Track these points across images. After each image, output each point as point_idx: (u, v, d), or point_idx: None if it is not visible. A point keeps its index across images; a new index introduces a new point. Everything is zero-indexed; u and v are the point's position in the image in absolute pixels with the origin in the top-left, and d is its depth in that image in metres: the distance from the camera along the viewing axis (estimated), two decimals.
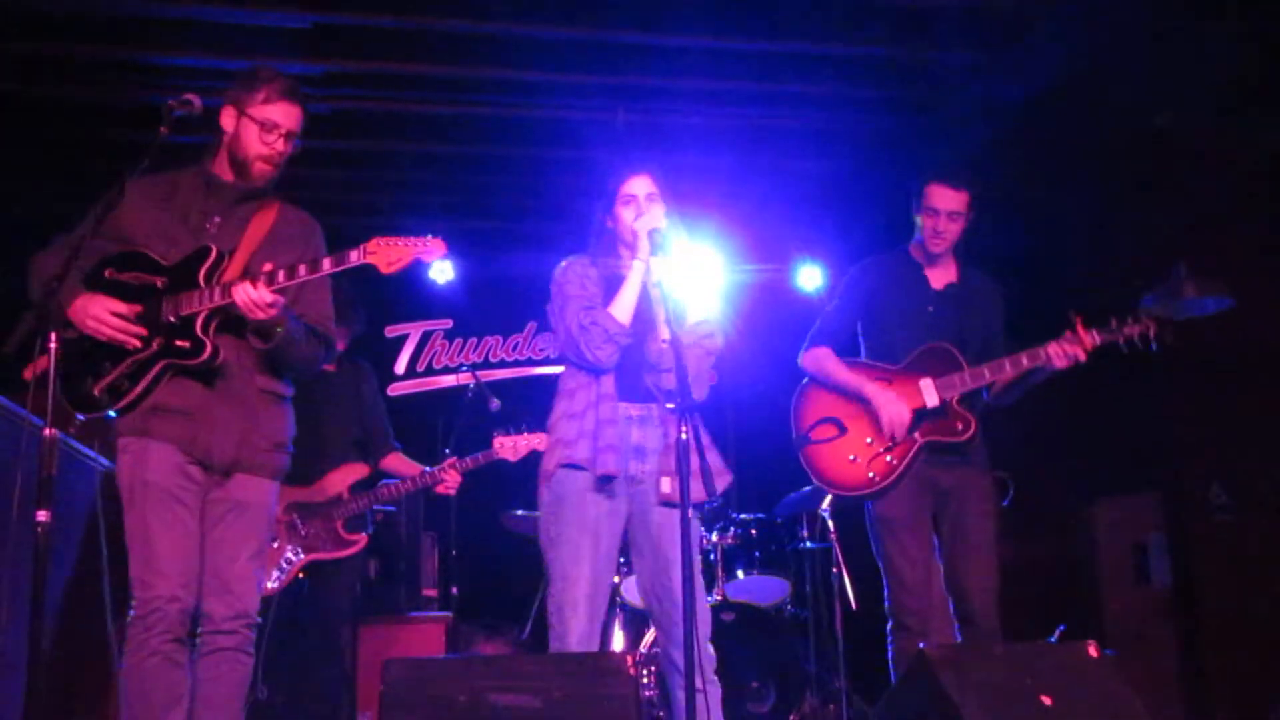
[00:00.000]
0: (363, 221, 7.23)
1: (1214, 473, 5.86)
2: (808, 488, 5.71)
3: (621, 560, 5.41)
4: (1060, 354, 3.80)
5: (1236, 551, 5.71)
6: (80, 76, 5.53)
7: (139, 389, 3.07)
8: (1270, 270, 5.31)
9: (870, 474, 3.89)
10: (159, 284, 3.12)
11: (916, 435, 3.89)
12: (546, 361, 7.74)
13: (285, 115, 3.20)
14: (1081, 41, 5.21)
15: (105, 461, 4.89)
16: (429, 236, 3.07)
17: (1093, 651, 2.51)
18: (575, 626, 3.18)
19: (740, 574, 5.75)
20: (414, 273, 5.87)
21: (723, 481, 3.38)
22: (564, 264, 3.55)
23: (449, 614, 5.75)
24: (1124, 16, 4.99)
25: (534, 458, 4.89)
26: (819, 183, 6.96)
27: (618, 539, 3.36)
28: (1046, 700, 2.29)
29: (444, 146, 6.47)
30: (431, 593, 6.41)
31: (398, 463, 4.98)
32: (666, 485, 3.27)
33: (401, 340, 7.68)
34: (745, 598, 5.61)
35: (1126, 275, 4.95)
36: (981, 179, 4.15)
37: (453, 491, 4.96)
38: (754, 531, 5.85)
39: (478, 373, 6.22)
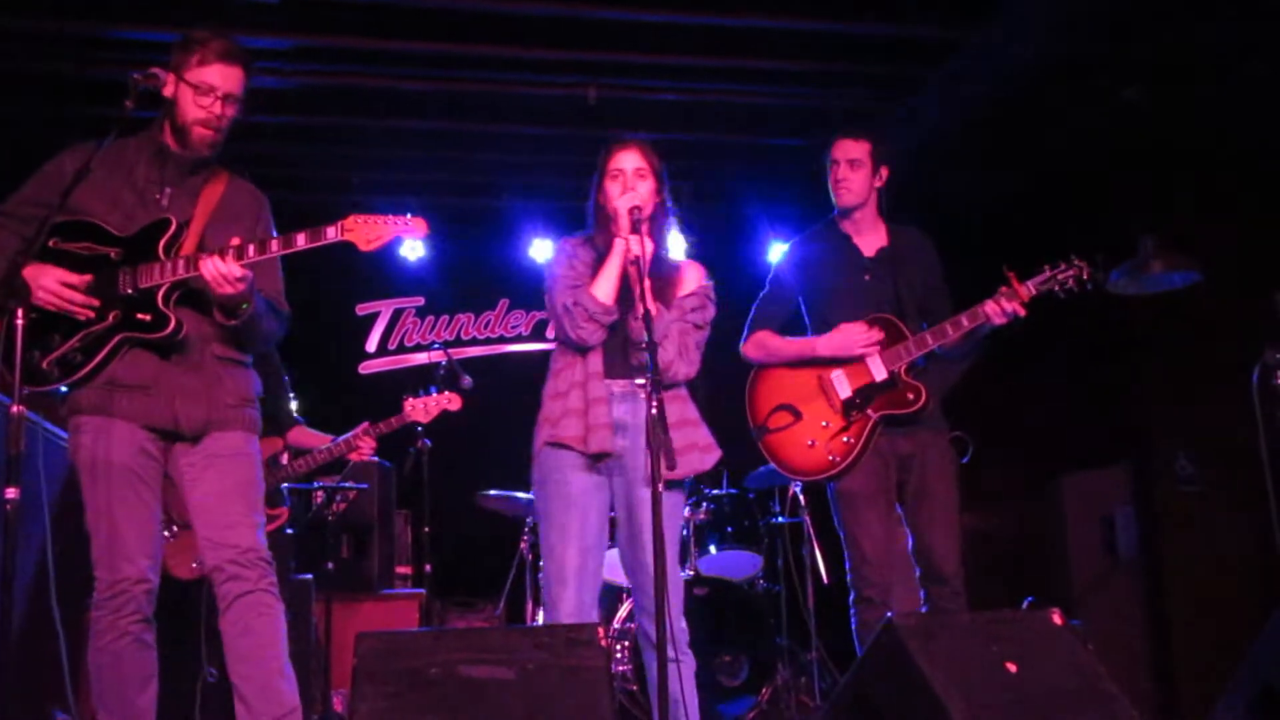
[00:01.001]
0: (333, 198, 7.19)
1: (1180, 445, 5.94)
2: None
3: None
4: (998, 310, 3.77)
5: (1202, 522, 5.79)
6: (43, 51, 5.45)
7: (95, 362, 3.00)
8: (1232, 244, 5.37)
9: (830, 456, 3.89)
10: (113, 255, 3.05)
11: (870, 411, 3.88)
12: (519, 339, 7.74)
13: (222, 77, 3.09)
14: (1055, 18, 5.23)
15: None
16: (409, 215, 3.05)
17: (1057, 619, 2.55)
18: (565, 599, 3.22)
19: (713, 549, 5.78)
20: (384, 250, 5.83)
21: (710, 457, 3.44)
22: (557, 245, 3.57)
23: (422, 591, 5.76)
24: None
25: (509, 433, 4.92)
26: (793, 160, 6.96)
27: (605, 513, 3.38)
28: (1011, 668, 2.33)
29: (415, 122, 6.43)
30: (405, 570, 6.42)
31: (303, 436, 5.01)
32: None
33: (373, 318, 7.66)
34: (718, 572, 5.65)
35: (1092, 249, 4.98)
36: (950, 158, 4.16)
37: (366, 457, 5.00)
38: (726, 507, 5.88)
39: (449, 350, 6.22)
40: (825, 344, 3.95)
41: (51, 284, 2.96)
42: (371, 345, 7.61)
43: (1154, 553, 6.07)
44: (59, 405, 3.12)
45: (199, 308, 3.10)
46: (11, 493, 2.60)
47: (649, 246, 3.27)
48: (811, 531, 5.85)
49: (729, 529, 5.84)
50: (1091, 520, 6.52)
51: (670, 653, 3.21)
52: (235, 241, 3.00)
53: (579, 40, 5.59)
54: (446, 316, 7.71)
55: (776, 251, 7.45)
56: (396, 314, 7.66)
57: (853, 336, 3.91)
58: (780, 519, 6.01)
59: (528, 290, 7.68)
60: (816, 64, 5.91)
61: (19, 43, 5.38)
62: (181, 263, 3.02)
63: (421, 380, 5.71)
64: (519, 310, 7.76)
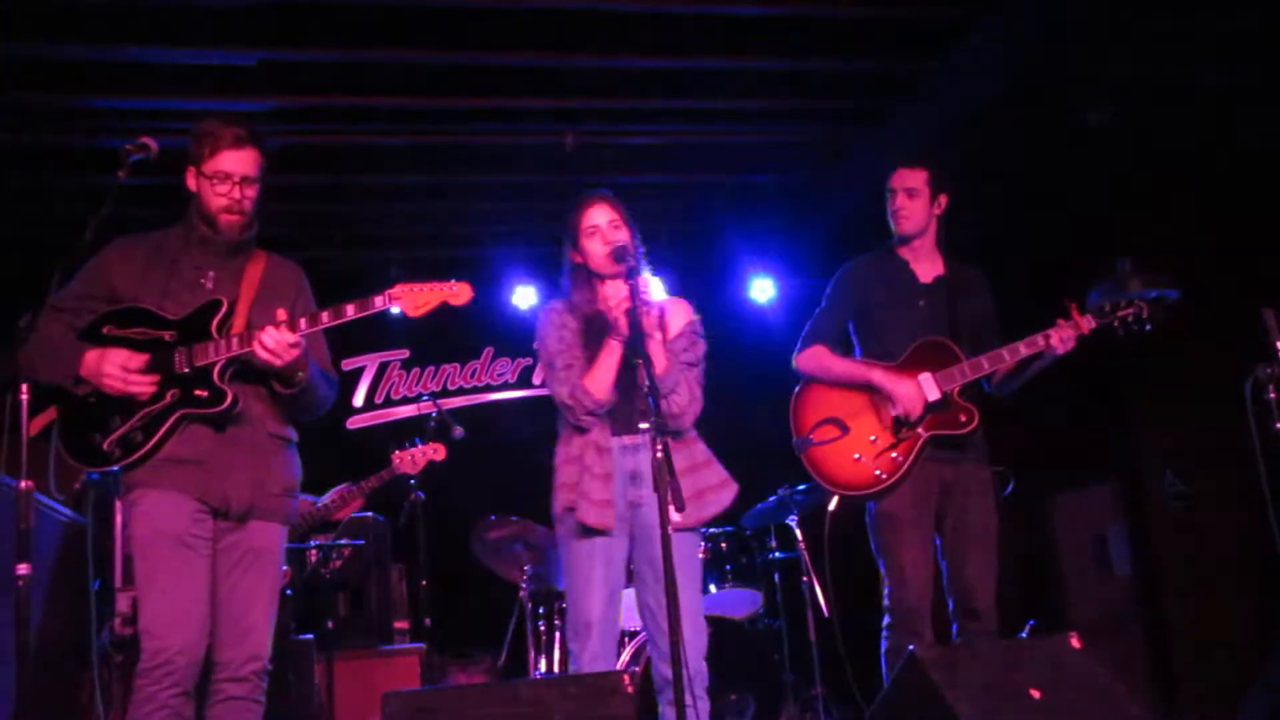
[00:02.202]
0: (314, 254, 7.21)
1: (1166, 461, 5.99)
2: (773, 498, 5.77)
3: None
4: (1060, 340, 3.81)
5: (1193, 536, 5.84)
6: (25, 123, 5.48)
7: (154, 440, 3.08)
8: (1209, 258, 5.45)
9: (877, 471, 3.86)
10: (167, 337, 3.15)
11: (920, 430, 3.86)
12: (505, 386, 7.74)
13: (234, 162, 3.21)
14: (1016, 47, 5.33)
15: (67, 512, 4.86)
16: (454, 281, 3.15)
17: (1075, 643, 2.57)
18: (588, 648, 3.27)
19: (713, 588, 5.77)
20: None
21: (726, 495, 3.49)
22: (542, 313, 3.59)
23: (422, 645, 5.72)
24: (1055, 19, 5.11)
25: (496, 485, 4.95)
26: (768, 196, 7.04)
27: (623, 564, 3.43)
28: (1035, 694, 2.35)
29: (393, 177, 6.49)
30: (403, 624, 6.37)
31: None
32: (676, 516, 3.30)
33: (359, 373, 7.63)
34: (719, 611, 5.63)
35: (1066, 270, 5.03)
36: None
37: (346, 516, 5.08)
38: (724, 545, 5.88)
39: (439, 401, 6.23)
40: (882, 377, 3.91)
41: (114, 369, 3.05)
42: (358, 400, 7.59)
43: (1148, 568, 6.11)
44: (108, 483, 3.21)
45: (253, 385, 3.20)
46: (24, 569, 2.59)
47: (654, 308, 3.35)
48: (809, 565, 5.85)
49: (728, 567, 5.84)
50: (1083, 539, 6.56)
51: (686, 697, 3.23)
52: (282, 315, 3.09)
53: (554, 89, 5.65)
54: (433, 368, 7.69)
55: (758, 287, 7.52)
56: (382, 367, 7.65)
57: (914, 395, 3.86)
58: (777, 554, 6.01)
59: (512, 338, 7.69)
60: (786, 101, 6.00)
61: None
62: (235, 340, 3.11)
63: (410, 433, 5.72)
64: (504, 358, 7.76)
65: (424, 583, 5.83)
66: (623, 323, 3.28)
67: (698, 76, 5.69)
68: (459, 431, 5.70)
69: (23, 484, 2.65)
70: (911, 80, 5.80)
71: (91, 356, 3.06)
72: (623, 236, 3.43)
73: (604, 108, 5.92)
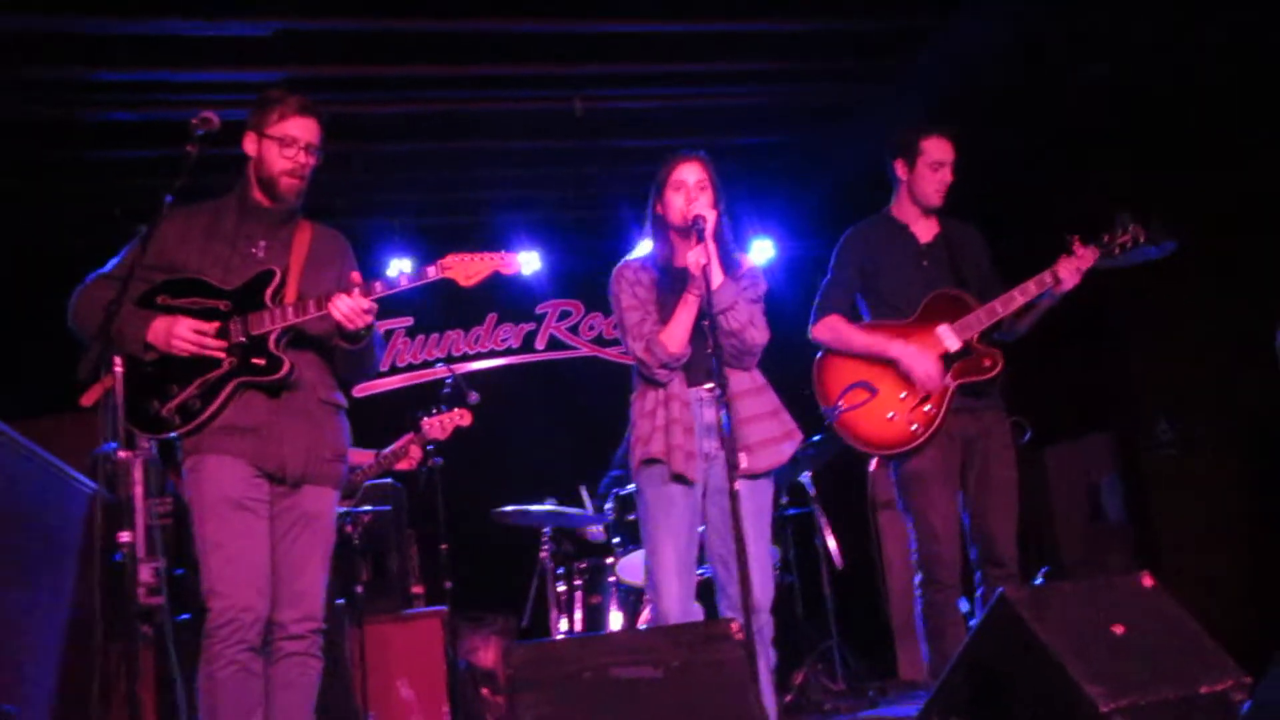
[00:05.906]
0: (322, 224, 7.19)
1: (1159, 410, 6.14)
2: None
3: (614, 536, 5.54)
4: (1067, 275, 3.91)
5: (1185, 483, 5.99)
6: (42, 98, 5.44)
7: (212, 407, 3.16)
8: (1204, 212, 5.57)
9: (913, 426, 3.94)
10: (221, 307, 3.22)
11: (948, 379, 3.95)
12: (509, 352, 7.79)
13: (302, 129, 3.33)
14: (1012, 4, 5.40)
15: (91, 484, 4.87)
16: (504, 252, 3.31)
17: (1147, 582, 2.71)
18: (668, 596, 3.38)
19: None
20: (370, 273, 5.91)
21: (789, 446, 3.57)
22: (614, 273, 3.68)
23: (444, 608, 5.80)
24: None
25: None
26: (767, 158, 7.09)
27: (698, 514, 3.53)
28: (1119, 630, 2.48)
29: (397, 145, 6.48)
30: (418, 589, 6.43)
31: (351, 455, 5.11)
32: (744, 460, 3.40)
33: None
34: None
35: (1064, 226, 5.12)
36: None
37: (413, 466, 5.24)
38: None
39: (453, 367, 6.28)
40: (900, 350, 3.99)
41: (187, 331, 3.13)
42: None
43: (1142, 516, 6.26)
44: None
45: (304, 353, 3.28)
46: (125, 536, 2.67)
47: (711, 253, 3.38)
48: (822, 520, 5.98)
49: None
50: (1076, 489, 6.71)
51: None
52: (357, 279, 3.18)
53: (562, 54, 5.67)
54: (437, 334, 7.72)
55: (756, 249, 7.60)
56: (387, 335, 7.66)
57: (932, 371, 3.95)
58: (789, 510, 6.12)
59: (515, 304, 7.75)
60: (783, 62, 6.03)
61: (12, 91, 5.36)
62: (290, 309, 3.19)
63: (421, 399, 5.78)
64: (508, 324, 7.80)
65: (444, 547, 5.92)
66: (701, 278, 3.35)
67: (703, 40, 5.71)
68: (474, 397, 5.76)
69: (121, 454, 2.71)
70: (914, 39, 5.85)
71: (160, 324, 3.13)
72: (705, 199, 3.51)
73: (611, 73, 5.94)
